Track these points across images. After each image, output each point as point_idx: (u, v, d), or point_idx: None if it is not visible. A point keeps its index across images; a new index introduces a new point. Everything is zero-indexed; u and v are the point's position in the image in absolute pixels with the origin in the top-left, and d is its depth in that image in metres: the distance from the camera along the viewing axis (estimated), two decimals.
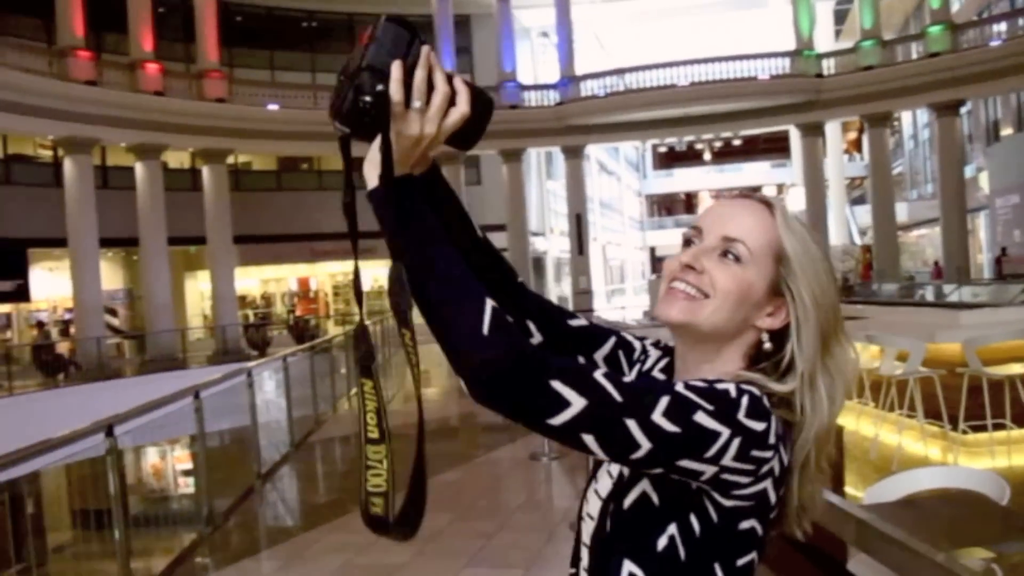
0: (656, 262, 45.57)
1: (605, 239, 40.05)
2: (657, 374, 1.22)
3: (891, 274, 21.48)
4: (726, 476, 0.97)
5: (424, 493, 1.00)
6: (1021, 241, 21.86)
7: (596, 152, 34.46)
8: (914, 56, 23.09)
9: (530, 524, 5.88)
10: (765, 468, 0.98)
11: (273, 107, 23.36)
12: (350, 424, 10.10)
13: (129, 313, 24.80)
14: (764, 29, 29.89)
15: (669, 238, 44.47)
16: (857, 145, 37.91)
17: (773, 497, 1.02)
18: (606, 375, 0.95)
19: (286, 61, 26.37)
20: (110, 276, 23.01)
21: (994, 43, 21.77)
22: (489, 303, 0.95)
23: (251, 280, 27.49)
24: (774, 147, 41.46)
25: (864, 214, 28.89)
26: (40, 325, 22.18)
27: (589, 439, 0.93)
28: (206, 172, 22.41)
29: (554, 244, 31.66)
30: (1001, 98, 24.88)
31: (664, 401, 0.94)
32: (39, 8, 20.68)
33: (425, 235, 0.99)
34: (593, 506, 1.11)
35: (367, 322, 1.08)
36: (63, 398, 16.16)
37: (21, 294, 21.45)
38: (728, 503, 0.99)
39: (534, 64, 29.26)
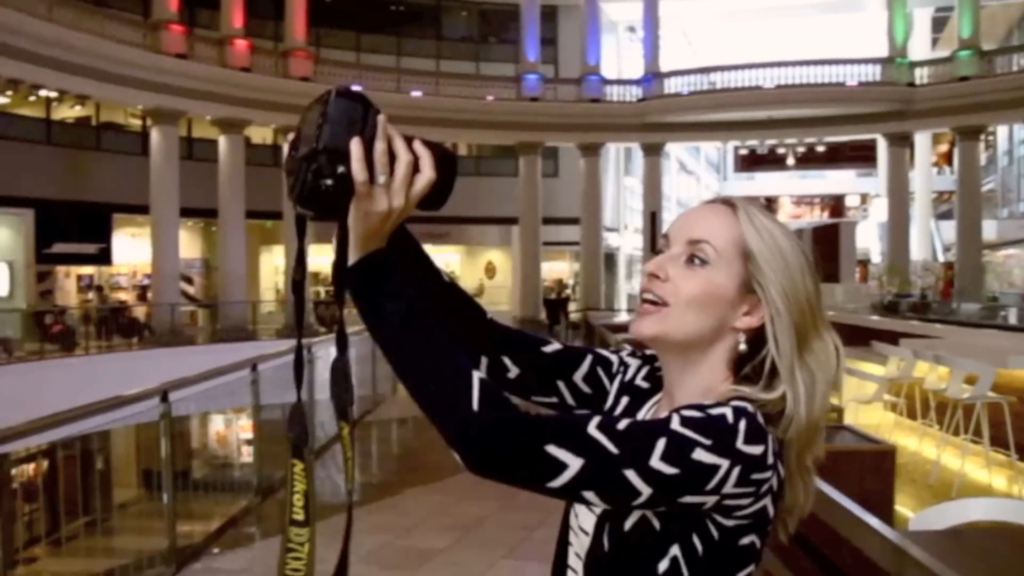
0: None
1: None
2: (640, 383, 1.20)
3: (973, 293, 20.73)
4: (728, 502, 0.96)
5: None
6: None
7: (676, 151, 33.96)
8: (1015, 68, 22.20)
9: None
10: (765, 487, 0.98)
11: (356, 88, 23.51)
12: (408, 407, 10.16)
13: (204, 282, 25.40)
14: (859, 34, 29.04)
15: None
16: (948, 158, 36.64)
17: (772, 512, 1.01)
18: (599, 426, 0.93)
19: (372, 44, 26.57)
20: (188, 245, 23.59)
21: None
22: (476, 376, 0.94)
23: (325, 258, 27.76)
24: (860, 155, 40.20)
25: (950, 230, 27.97)
26: (99, 289, 22.62)
27: (590, 495, 0.94)
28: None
29: (627, 241, 31.36)
30: None
31: (661, 444, 0.93)
32: None
33: (405, 313, 0.97)
34: (585, 520, 1.09)
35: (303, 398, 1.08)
36: (134, 361, 16.69)
37: (104, 257, 22.13)
38: (730, 523, 0.99)
39: (619, 59, 28.96)
